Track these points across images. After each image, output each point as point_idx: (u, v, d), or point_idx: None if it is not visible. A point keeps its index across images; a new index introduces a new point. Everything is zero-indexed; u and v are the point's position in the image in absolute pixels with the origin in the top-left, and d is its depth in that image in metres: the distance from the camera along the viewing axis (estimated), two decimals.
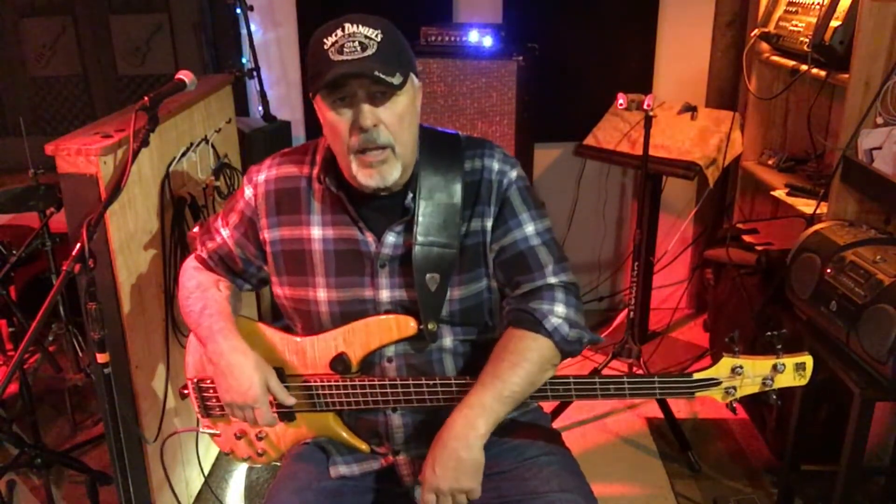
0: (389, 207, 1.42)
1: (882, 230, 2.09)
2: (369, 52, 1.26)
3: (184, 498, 2.28)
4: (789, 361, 1.36)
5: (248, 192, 1.51)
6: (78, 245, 1.40)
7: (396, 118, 1.32)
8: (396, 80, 1.28)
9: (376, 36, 1.28)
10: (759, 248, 2.69)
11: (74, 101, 3.43)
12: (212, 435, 1.63)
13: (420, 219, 1.39)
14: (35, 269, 2.94)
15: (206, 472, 2.46)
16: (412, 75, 1.36)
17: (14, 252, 2.44)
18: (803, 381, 1.37)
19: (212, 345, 1.45)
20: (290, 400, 1.47)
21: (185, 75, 1.69)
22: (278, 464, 1.59)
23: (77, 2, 3.27)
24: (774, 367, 1.36)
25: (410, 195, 1.41)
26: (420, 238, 1.39)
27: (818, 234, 2.09)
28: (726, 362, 1.37)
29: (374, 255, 1.43)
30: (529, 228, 1.44)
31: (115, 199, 1.60)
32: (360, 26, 1.28)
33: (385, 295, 1.44)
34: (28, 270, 2.96)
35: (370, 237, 1.43)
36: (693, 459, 2.55)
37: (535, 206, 1.46)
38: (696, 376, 1.38)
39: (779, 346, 1.37)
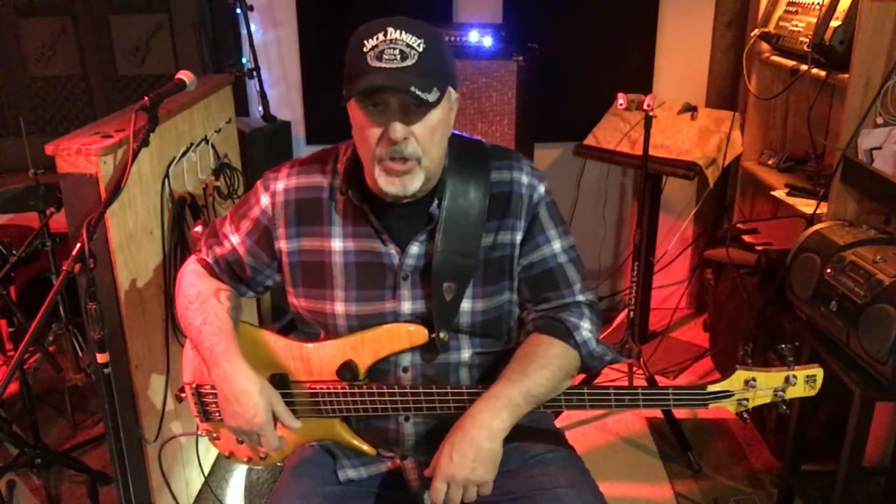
0: (414, 215, 1.39)
1: (882, 230, 2.08)
2: (409, 62, 1.22)
3: (184, 498, 2.28)
4: (801, 374, 1.37)
5: (265, 200, 1.45)
6: (78, 245, 1.40)
7: (428, 132, 1.28)
8: (432, 96, 1.23)
9: (418, 45, 1.23)
10: (759, 248, 2.69)
11: (74, 101, 3.43)
12: (211, 438, 1.61)
13: (443, 227, 1.37)
14: (35, 269, 2.94)
15: (206, 472, 2.45)
16: (450, 89, 1.32)
17: (14, 252, 2.44)
18: (813, 392, 1.38)
19: (216, 370, 1.40)
20: (295, 424, 1.43)
21: (185, 75, 1.69)
22: (281, 463, 1.59)
23: (77, 2, 3.26)
24: (787, 380, 1.37)
25: (436, 202, 1.38)
26: (441, 246, 1.37)
27: (818, 234, 2.09)
28: (740, 375, 1.37)
29: (396, 267, 1.40)
30: (557, 245, 1.44)
31: (115, 199, 1.60)
32: (404, 32, 1.23)
33: (407, 307, 1.41)
34: (28, 270, 2.96)
35: (393, 249, 1.40)
36: (693, 459, 2.55)
37: (562, 223, 1.47)
38: (710, 388, 1.38)
39: (790, 359, 1.37)
